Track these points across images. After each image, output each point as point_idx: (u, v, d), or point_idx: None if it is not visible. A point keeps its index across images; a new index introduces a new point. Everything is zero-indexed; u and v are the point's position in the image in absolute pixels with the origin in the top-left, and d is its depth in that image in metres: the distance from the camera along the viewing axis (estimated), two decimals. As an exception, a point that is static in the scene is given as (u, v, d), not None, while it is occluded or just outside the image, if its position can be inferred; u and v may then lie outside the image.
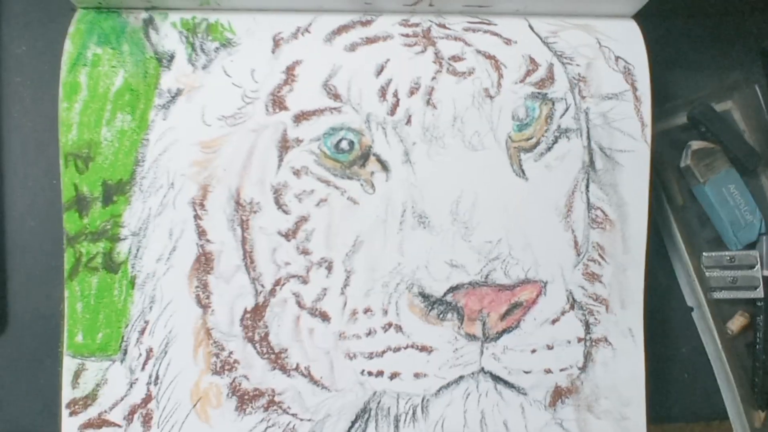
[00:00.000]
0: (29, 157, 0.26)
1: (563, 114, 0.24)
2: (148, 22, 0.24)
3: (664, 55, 0.27)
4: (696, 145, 0.26)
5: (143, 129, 0.24)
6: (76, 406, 0.24)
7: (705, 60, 0.28)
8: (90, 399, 0.24)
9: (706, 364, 0.27)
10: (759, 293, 0.26)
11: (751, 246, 0.26)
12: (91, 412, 0.23)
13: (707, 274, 0.26)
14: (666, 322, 0.27)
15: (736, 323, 0.26)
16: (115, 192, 0.24)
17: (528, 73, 0.24)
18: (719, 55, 0.28)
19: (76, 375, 0.24)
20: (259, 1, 0.24)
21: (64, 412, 0.23)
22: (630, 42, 0.24)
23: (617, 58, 0.24)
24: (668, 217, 0.26)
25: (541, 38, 0.25)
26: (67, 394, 0.24)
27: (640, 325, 0.24)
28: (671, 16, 0.28)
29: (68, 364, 0.24)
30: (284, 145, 0.24)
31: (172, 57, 0.24)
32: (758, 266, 0.26)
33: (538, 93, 0.24)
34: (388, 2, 0.24)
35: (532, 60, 0.24)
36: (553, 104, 0.24)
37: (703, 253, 0.26)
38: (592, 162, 0.24)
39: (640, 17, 0.24)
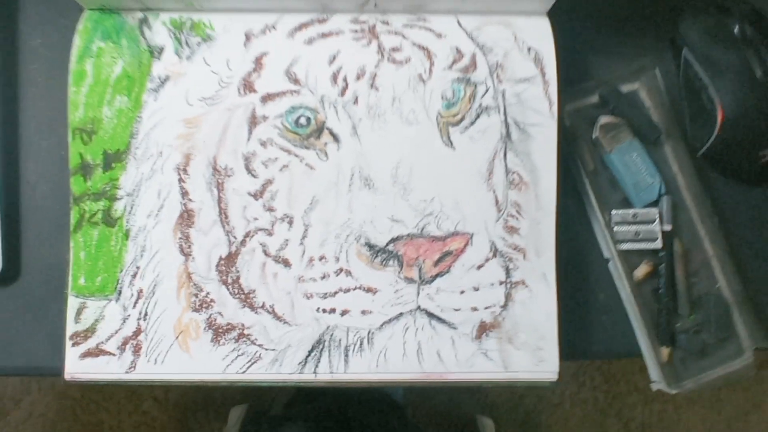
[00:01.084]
0: (42, 133, 0.31)
1: (484, 94, 0.29)
2: (143, 21, 0.29)
3: (582, 44, 0.32)
4: (604, 119, 0.30)
5: (137, 108, 0.29)
6: (78, 338, 0.28)
7: (618, 47, 0.32)
8: (89, 332, 0.28)
9: (622, 309, 0.31)
10: (658, 245, 0.30)
11: (653, 204, 0.30)
12: (90, 343, 0.28)
13: (616, 228, 0.30)
14: (586, 272, 0.31)
15: (641, 271, 0.30)
16: (113, 160, 0.29)
17: (455, 61, 0.29)
18: (631, 43, 0.32)
19: (78, 312, 0.28)
20: (234, 3, 0.29)
21: (68, 343, 0.28)
22: (540, 35, 0.29)
23: (529, 48, 0.29)
24: (584, 181, 0.31)
25: (467, 32, 0.29)
26: (70, 327, 0.28)
27: (552, 270, 0.29)
28: (589, 9, 0.32)
29: (72, 303, 0.28)
30: (253, 121, 0.29)
31: (162, 50, 0.29)
32: (657, 221, 0.30)
33: (463, 77, 0.29)
34: (341, 4, 0.29)
35: (458, 50, 0.29)
36: (476, 87, 0.29)
37: (612, 211, 0.30)
38: (508, 134, 0.29)
39: (561, 10, 0.28)
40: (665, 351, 0.30)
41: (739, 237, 0.32)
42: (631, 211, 0.30)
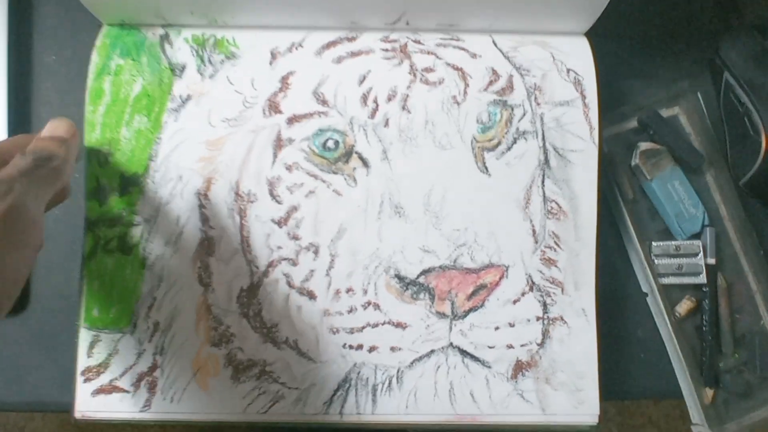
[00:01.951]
0: (56, 154, 0.29)
1: (521, 118, 0.28)
2: (164, 38, 0.28)
3: (620, 67, 0.31)
4: (644, 146, 0.29)
5: (157, 129, 0.27)
6: (90, 374, 0.26)
7: (657, 71, 0.31)
8: (102, 367, 0.26)
9: (661, 345, 0.29)
10: (702, 279, 0.28)
11: (696, 236, 0.29)
12: (103, 379, 0.26)
13: (656, 261, 0.29)
14: (624, 307, 0.30)
15: (684, 307, 0.29)
16: (130, 184, 0.27)
17: (491, 83, 0.28)
18: (670, 67, 0.31)
19: (91, 345, 0.26)
20: (259, 19, 0.28)
21: (79, 379, 0.26)
22: (580, 56, 0.28)
23: (568, 70, 0.28)
24: (622, 210, 0.29)
25: (503, 53, 0.28)
26: (82, 362, 0.26)
27: (592, 305, 0.27)
28: (628, 31, 0.31)
29: (84, 336, 0.26)
30: (278, 144, 0.27)
31: (183, 68, 0.28)
32: (701, 255, 0.29)
33: (500, 100, 0.28)
34: (370, 21, 0.28)
35: (494, 71, 0.28)
36: (513, 110, 0.28)
37: (653, 243, 0.29)
38: (546, 160, 0.28)
39: (598, 33, 0.27)
40: (709, 392, 0.28)
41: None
42: (674, 243, 0.29)
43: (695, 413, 0.28)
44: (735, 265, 0.29)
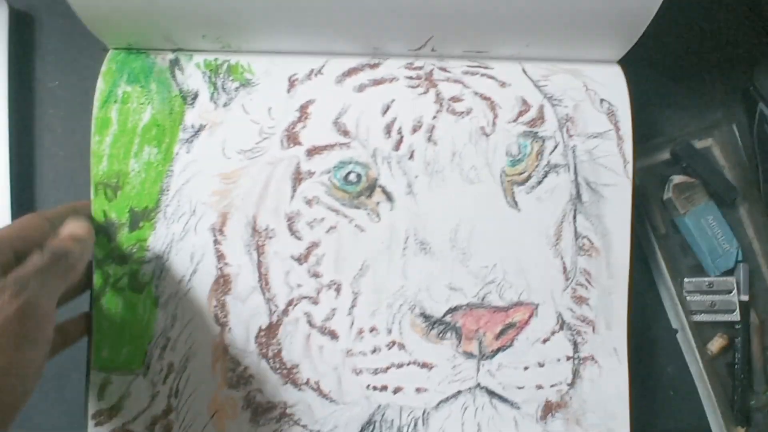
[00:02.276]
0: (60, 184, 0.28)
1: (552, 151, 0.26)
2: (174, 63, 0.27)
3: (651, 96, 0.30)
4: (677, 179, 0.28)
5: (168, 161, 0.26)
6: (102, 417, 0.25)
7: (688, 101, 0.30)
8: (114, 410, 0.25)
9: (691, 383, 0.29)
10: (735, 317, 0.28)
11: (729, 272, 0.28)
12: (115, 423, 0.25)
13: (688, 298, 0.28)
14: (653, 343, 0.29)
15: (716, 344, 0.28)
16: (141, 218, 0.26)
17: (521, 114, 0.26)
18: (702, 97, 0.30)
19: (102, 388, 0.25)
20: (276, 44, 0.26)
21: (90, 423, 0.25)
22: (614, 85, 0.27)
23: (602, 100, 0.27)
24: (653, 245, 0.28)
25: (533, 81, 0.27)
26: (92, 405, 0.25)
27: (624, 344, 0.26)
28: (658, 60, 0.30)
29: (94, 378, 0.25)
30: (297, 177, 0.26)
31: (195, 95, 0.26)
32: (735, 291, 0.28)
33: (530, 131, 0.26)
34: (394, 47, 0.26)
35: (524, 101, 0.26)
36: (544, 142, 0.26)
37: (685, 279, 0.28)
38: (579, 195, 0.26)
39: (629, 61, 0.26)
40: (740, 431, 0.27)
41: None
42: (707, 279, 0.28)
43: (725, 452, 0.28)
44: (767, 301, 0.29)
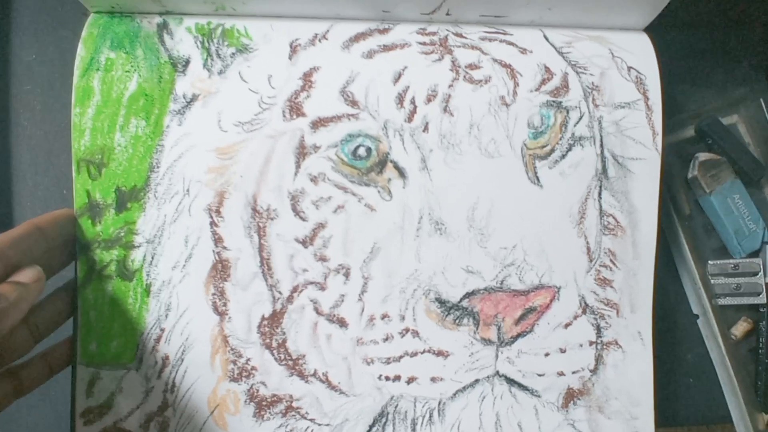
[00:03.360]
0: (39, 166, 0.25)
1: (577, 122, 0.25)
2: (163, 27, 0.24)
3: (673, 69, 0.28)
4: (703, 156, 0.27)
5: (158, 135, 0.24)
6: (91, 415, 0.23)
7: (713, 74, 0.28)
8: (105, 408, 0.23)
9: (711, 369, 0.28)
10: (762, 299, 0.27)
11: (755, 254, 0.27)
12: (107, 421, 0.23)
13: (712, 281, 0.27)
14: (672, 330, 0.28)
15: (740, 329, 0.27)
16: (128, 199, 0.23)
17: (543, 82, 0.24)
18: (727, 70, 0.29)
19: (91, 384, 0.23)
20: (276, 7, 0.24)
21: (79, 422, 0.23)
22: (642, 53, 0.25)
23: (629, 68, 0.25)
24: (675, 226, 0.27)
25: (555, 48, 0.25)
26: (81, 403, 0.23)
27: (648, 328, 0.25)
28: (681, 31, 0.28)
29: (82, 374, 0.23)
30: (301, 152, 0.24)
31: (187, 62, 0.24)
32: (761, 273, 0.27)
33: (553, 101, 0.25)
34: (405, 11, 0.24)
35: (547, 69, 0.25)
36: (568, 112, 0.25)
37: (709, 262, 0.27)
38: (604, 169, 0.25)
39: (651, 31, 0.25)
40: (764, 417, 0.27)
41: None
42: (732, 261, 0.27)
43: (747, 437, 0.27)
44: (793, 281, 0.28)
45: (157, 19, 0.24)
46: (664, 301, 0.28)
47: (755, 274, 0.27)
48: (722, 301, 0.27)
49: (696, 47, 0.29)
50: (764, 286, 0.27)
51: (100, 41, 0.24)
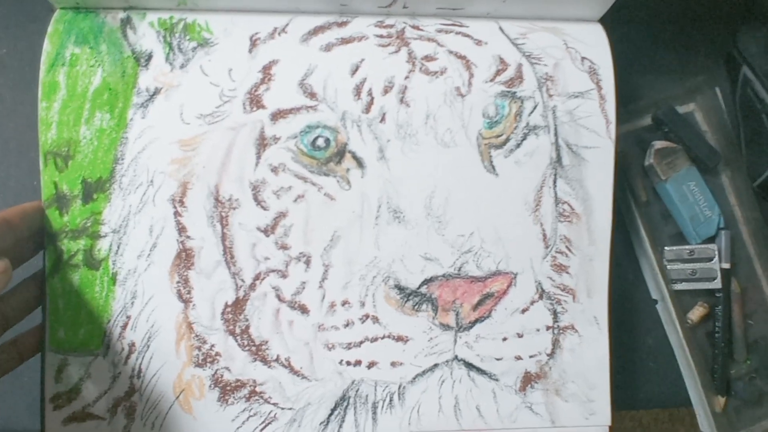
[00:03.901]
0: (11, 159, 0.26)
1: (532, 112, 0.25)
2: (126, 22, 0.25)
3: (632, 59, 0.28)
4: (659, 144, 0.27)
5: (122, 127, 0.24)
6: (60, 401, 0.24)
7: (670, 64, 0.29)
8: (74, 393, 0.24)
9: (671, 353, 0.28)
10: (716, 284, 0.27)
11: (710, 240, 0.28)
12: (75, 406, 0.24)
13: (669, 267, 0.27)
14: (632, 315, 0.28)
15: (696, 313, 0.27)
16: (95, 190, 0.24)
17: (498, 73, 0.25)
18: (684, 60, 0.29)
19: (59, 370, 0.24)
20: (236, 1, 0.24)
21: (48, 407, 0.24)
22: (595, 43, 0.25)
23: (583, 58, 0.25)
24: (633, 213, 0.27)
25: (510, 39, 0.25)
26: (50, 389, 0.24)
27: (604, 313, 0.26)
28: (639, 22, 0.29)
29: (51, 360, 0.24)
30: (262, 143, 0.24)
31: (149, 56, 0.24)
32: (716, 259, 0.27)
33: (508, 91, 0.25)
34: (363, 4, 0.25)
35: (501, 60, 0.25)
36: (522, 102, 0.25)
37: (665, 248, 0.27)
38: (559, 158, 0.25)
39: (609, 22, 0.25)
40: (721, 400, 0.27)
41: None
42: (687, 247, 0.27)
43: (705, 422, 0.27)
44: (749, 269, 0.28)
45: (121, 14, 0.25)
46: (624, 286, 0.28)
47: (710, 259, 0.27)
48: (678, 287, 0.27)
49: (656, 38, 0.29)
50: (719, 272, 0.27)
51: (66, 37, 0.24)
